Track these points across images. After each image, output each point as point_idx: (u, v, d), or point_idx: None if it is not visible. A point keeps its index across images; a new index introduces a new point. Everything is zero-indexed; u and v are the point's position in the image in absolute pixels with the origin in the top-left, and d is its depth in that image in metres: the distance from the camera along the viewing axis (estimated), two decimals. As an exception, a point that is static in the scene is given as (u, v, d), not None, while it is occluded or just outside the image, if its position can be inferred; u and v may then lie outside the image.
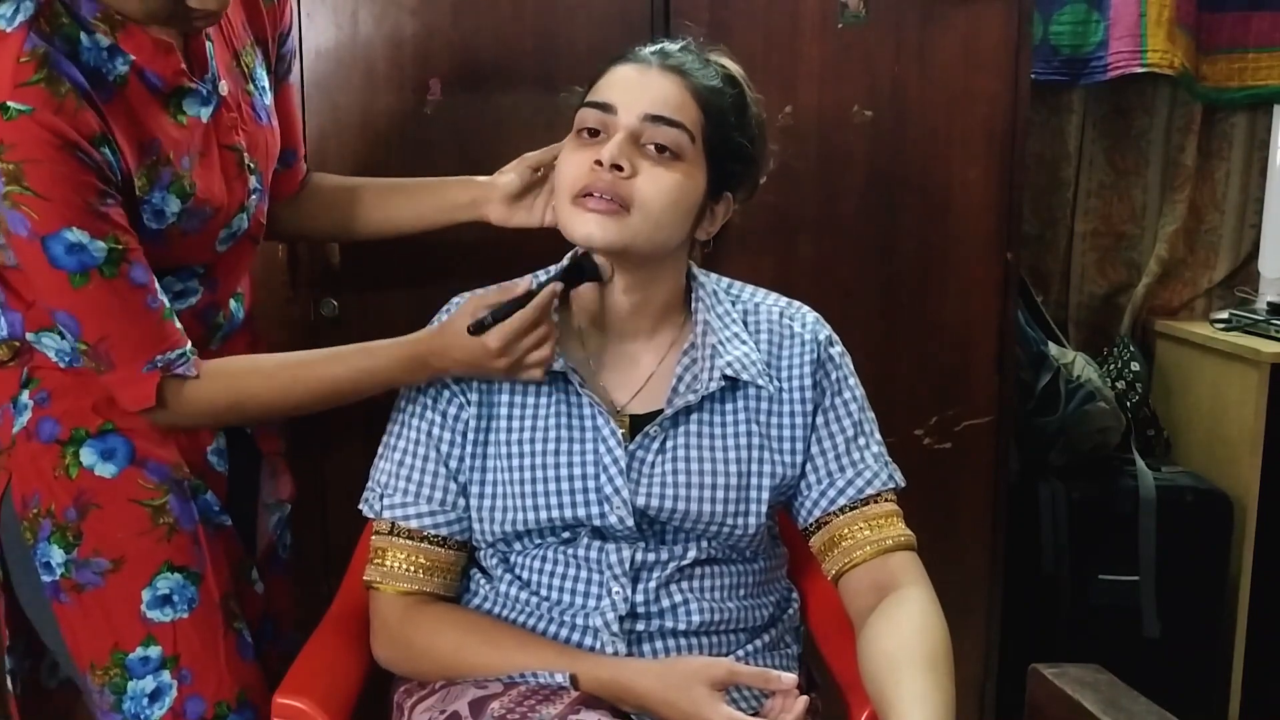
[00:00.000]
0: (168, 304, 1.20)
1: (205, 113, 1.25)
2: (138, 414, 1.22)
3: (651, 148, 1.18)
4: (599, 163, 1.16)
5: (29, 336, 1.25)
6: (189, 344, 1.22)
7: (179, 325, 1.21)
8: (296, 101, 1.49)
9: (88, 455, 1.25)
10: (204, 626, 1.27)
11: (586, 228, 1.17)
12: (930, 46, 1.82)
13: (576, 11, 1.74)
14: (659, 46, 1.24)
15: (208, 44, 1.25)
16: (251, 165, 1.31)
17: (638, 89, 1.19)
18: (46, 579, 1.25)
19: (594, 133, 1.20)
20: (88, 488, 1.25)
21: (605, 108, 1.19)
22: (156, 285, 1.19)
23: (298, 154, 1.49)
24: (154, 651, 1.25)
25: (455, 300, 1.29)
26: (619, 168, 1.15)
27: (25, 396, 1.26)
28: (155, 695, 1.26)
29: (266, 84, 1.37)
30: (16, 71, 1.08)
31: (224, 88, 1.27)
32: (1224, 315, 2.39)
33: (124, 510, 1.25)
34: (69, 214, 1.11)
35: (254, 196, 1.32)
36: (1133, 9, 2.30)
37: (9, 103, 1.08)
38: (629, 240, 1.17)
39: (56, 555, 1.24)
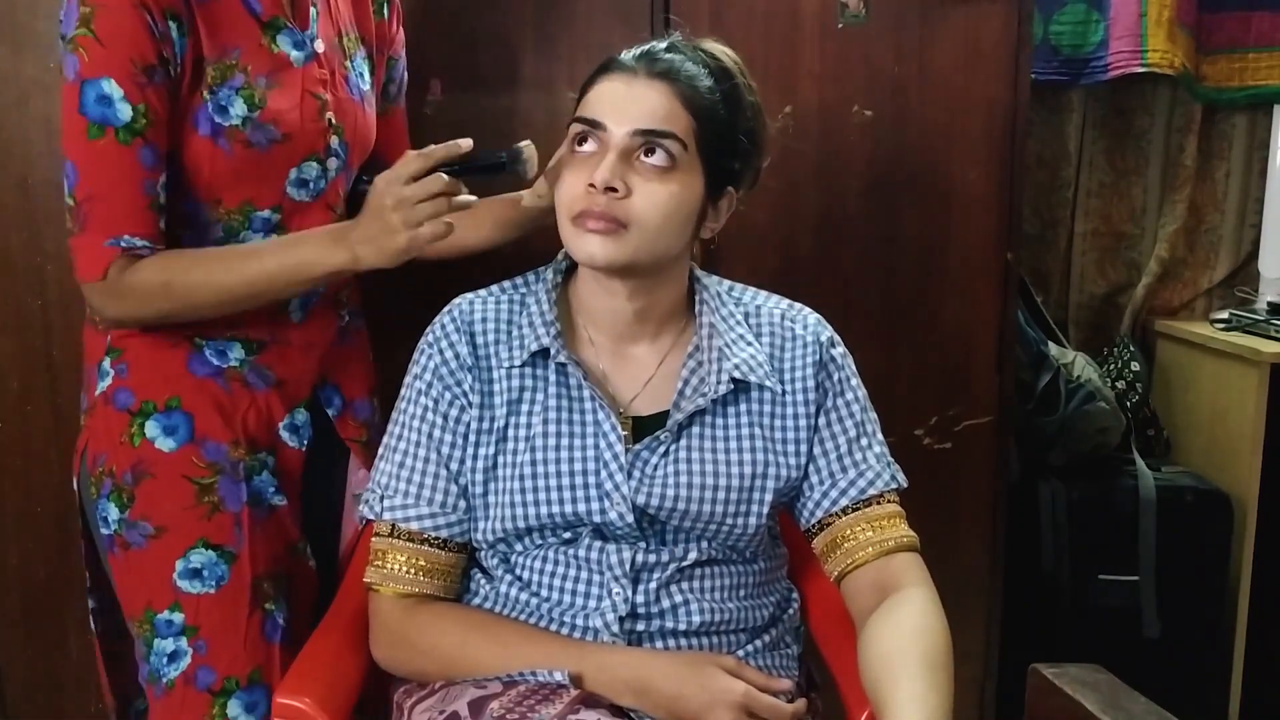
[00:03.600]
0: (163, 199, 1.25)
1: (298, 57, 1.32)
2: (81, 284, 1.26)
3: (644, 162, 1.17)
4: (593, 185, 1.16)
5: None
6: (163, 245, 1.26)
7: (162, 225, 1.26)
8: (405, 125, 1.57)
9: (152, 428, 1.32)
10: (228, 604, 1.32)
11: (588, 248, 1.18)
12: (930, 46, 1.82)
13: (576, 12, 1.74)
14: (645, 49, 1.22)
15: (313, 8, 1.34)
16: (335, 124, 1.36)
17: (626, 103, 1.18)
18: (104, 532, 1.34)
19: (584, 140, 1.20)
20: (146, 458, 1.32)
21: (595, 124, 1.19)
22: (162, 177, 1.25)
23: None
24: (177, 618, 1.31)
25: (457, 301, 1.30)
26: (613, 189, 1.16)
27: (107, 364, 1.34)
28: (173, 657, 1.32)
29: (366, 74, 1.43)
30: None
31: (319, 46, 1.34)
32: (1224, 315, 2.39)
33: (174, 484, 1.32)
34: (114, 66, 1.19)
35: (334, 160, 1.37)
36: (1133, 9, 2.30)
37: None
38: (630, 257, 1.18)
39: (113, 512, 1.32)
